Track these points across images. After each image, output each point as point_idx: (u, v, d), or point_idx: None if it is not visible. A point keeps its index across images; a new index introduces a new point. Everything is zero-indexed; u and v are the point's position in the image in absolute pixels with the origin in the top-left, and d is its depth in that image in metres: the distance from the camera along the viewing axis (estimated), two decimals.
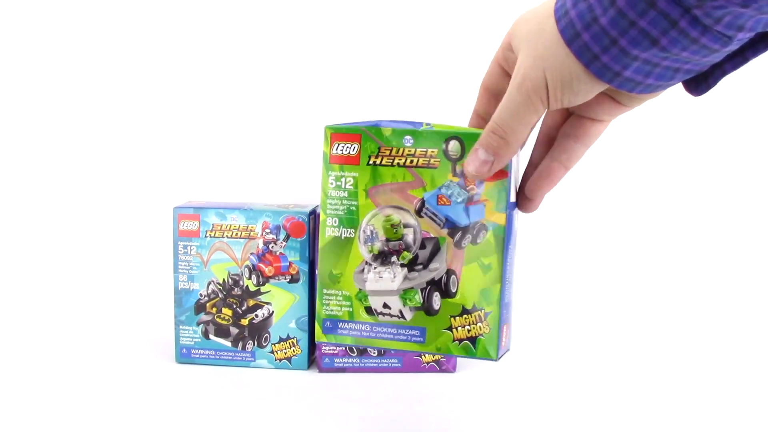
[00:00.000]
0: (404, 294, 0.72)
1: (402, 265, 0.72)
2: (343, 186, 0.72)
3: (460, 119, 0.76)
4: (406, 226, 0.71)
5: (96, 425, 0.82)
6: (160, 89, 1.22)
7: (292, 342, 0.96)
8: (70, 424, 0.81)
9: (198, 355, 0.98)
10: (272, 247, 0.95)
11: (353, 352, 0.96)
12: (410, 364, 0.96)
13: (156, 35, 1.21)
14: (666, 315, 1.17)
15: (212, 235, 0.95)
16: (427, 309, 0.71)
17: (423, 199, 0.71)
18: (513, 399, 0.90)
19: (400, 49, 1.22)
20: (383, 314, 0.73)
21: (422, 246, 0.71)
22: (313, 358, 0.99)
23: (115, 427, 0.81)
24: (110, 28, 1.21)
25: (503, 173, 0.68)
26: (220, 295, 0.96)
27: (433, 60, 1.22)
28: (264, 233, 0.95)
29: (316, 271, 0.75)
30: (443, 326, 0.71)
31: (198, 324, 0.97)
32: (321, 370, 0.96)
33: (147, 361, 0.99)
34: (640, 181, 1.27)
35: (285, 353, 0.97)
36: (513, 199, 0.70)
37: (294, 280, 0.95)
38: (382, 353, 0.95)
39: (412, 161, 0.71)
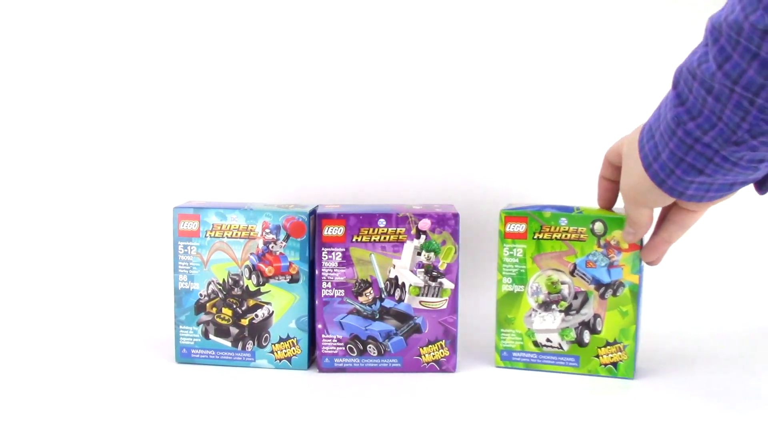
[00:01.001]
0: (562, 332, 0.96)
1: (560, 311, 0.96)
2: (514, 255, 0.96)
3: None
4: (562, 283, 0.95)
5: (96, 425, 0.82)
6: (160, 89, 1.22)
7: (292, 342, 0.97)
8: (70, 424, 0.82)
9: (198, 355, 0.98)
10: (272, 247, 0.95)
11: (353, 352, 0.96)
12: (410, 364, 0.96)
13: (155, 35, 1.21)
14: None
15: (212, 235, 0.95)
16: (579, 342, 0.96)
17: (575, 263, 0.95)
18: (512, 399, 0.90)
19: (400, 46, 1.22)
20: (546, 346, 0.97)
21: (575, 297, 0.95)
22: (313, 358, 0.99)
23: (115, 427, 0.81)
24: (109, 28, 1.21)
25: (637, 246, 0.92)
26: (220, 295, 0.97)
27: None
28: (264, 233, 0.95)
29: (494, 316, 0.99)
30: (592, 354, 0.96)
31: (198, 324, 0.97)
32: (321, 370, 0.96)
33: (147, 361, 0.99)
34: None
35: (285, 353, 0.97)
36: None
37: (294, 280, 0.96)
38: (381, 353, 0.96)
39: (566, 236, 0.95)
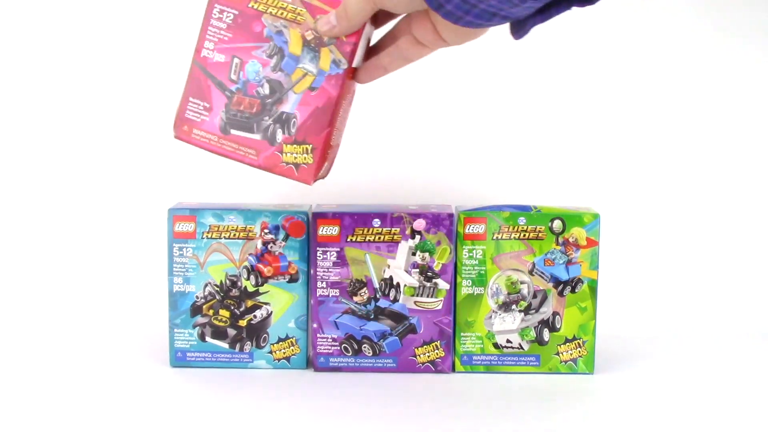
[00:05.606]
0: (522, 331, 0.96)
1: (520, 311, 0.96)
2: (474, 256, 0.95)
3: None
4: (522, 282, 0.96)
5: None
6: (155, 89, 1.21)
7: (291, 341, 0.97)
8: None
9: (194, 358, 0.97)
10: (271, 247, 0.95)
11: (348, 352, 0.96)
12: (405, 365, 0.97)
13: (148, 36, 1.21)
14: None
15: (209, 236, 0.95)
16: (539, 341, 0.97)
17: (534, 262, 0.95)
18: (507, 399, 0.91)
19: None
20: (507, 347, 0.97)
21: (534, 296, 0.96)
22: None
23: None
24: (103, 28, 1.21)
25: (595, 242, 0.95)
26: (218, 297, 0.96)
27: None
28: (263, 233, 0.95)
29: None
30: (552, 352, 0.97)
31: (194, 327, 0.96)
32: (316, 370, 0.96)
33: (141, 365, 0.98)
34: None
35: (284, 353, 0.97)
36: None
37: (293, 279, 0.96)
38: (376, 353, 0.96)
39: (524, 235, 0.95)
